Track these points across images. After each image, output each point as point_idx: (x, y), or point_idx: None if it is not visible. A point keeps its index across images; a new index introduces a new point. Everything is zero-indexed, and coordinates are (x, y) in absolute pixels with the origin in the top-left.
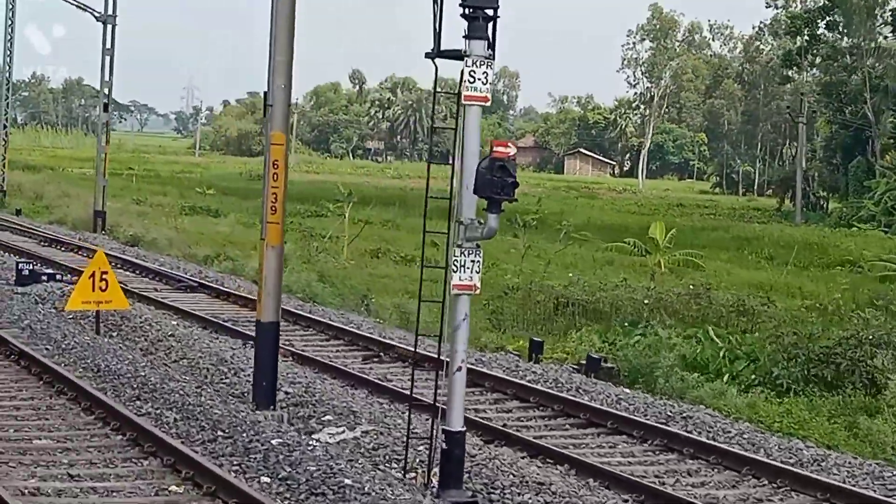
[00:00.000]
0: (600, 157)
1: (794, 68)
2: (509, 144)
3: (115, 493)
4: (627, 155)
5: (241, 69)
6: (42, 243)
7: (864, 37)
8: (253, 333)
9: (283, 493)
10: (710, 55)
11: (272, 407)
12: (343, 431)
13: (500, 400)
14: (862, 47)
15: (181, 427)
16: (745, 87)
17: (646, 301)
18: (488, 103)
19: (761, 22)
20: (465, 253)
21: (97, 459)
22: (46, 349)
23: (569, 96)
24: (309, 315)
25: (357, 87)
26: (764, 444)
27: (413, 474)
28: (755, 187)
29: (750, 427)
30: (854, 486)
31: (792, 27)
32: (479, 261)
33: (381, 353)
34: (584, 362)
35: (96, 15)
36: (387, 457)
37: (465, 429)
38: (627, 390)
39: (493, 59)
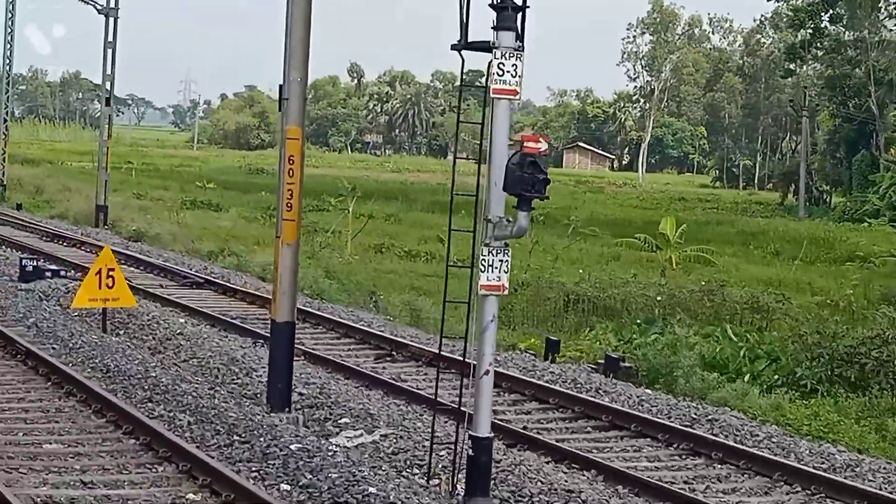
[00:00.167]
0: (599, 151)
1: (798, 61)
2: (540, 140)
3: (130, 502)
4: (626, 149)
5: (239, 63)
6: (44, 238)
7: (869, 29)
8: (263, 332)
9: (305, 501)
10: (710, 48)
11: (287, 409)
12: (361, 435)
13: (519, 401)
14: (866, 40)
15: (195, 431)
16: (746, 81)
17: (658, 298)
18: (518, 97)
19: (762, 15)
20: (494, 252)
21: (110, 465)
22: (53, 348)
23: (568, 90)
24: (318, 312)
25: (355, 80)
26: (794, 448)
27: (437, 481)
28: (755, 181)
29: (778, 430)
30: (892, 493)
31: (795, 20)
32: (507, 260)
33: (394, 352)
34: (601, 361)
35: (98, 7)
36: (407, 462)
37: (492, 434)
38: (649, 391)
39: (523, 50)
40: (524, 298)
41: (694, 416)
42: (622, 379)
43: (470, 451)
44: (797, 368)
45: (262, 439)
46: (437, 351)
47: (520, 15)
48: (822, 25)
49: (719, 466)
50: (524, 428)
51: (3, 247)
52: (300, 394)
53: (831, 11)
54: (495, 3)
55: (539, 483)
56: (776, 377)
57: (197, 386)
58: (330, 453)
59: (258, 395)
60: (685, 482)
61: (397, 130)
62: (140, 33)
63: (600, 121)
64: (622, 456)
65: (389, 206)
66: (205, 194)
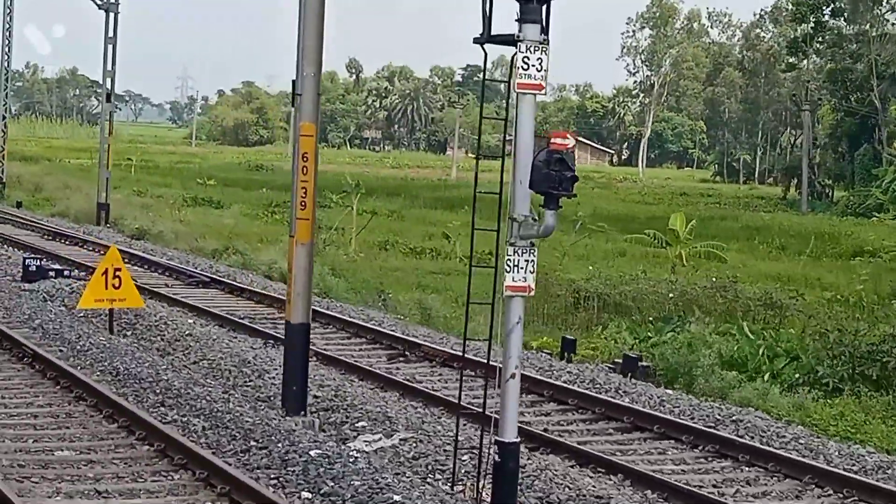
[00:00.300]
0: (598, 146)
1: (799, 55)
2: (568, 136)
3: None
4: (626, 144)
5: (236, 58)
6: (46, 237)
7: (871, 23)
8: (273, 332)
9: None
10: (710, 43)
11: (303, 413)
12: (380, 439)
13: (537, 402)
14: (868, 34)
15: (210, 436)
16: (746, 75)
17: (670, 295)
18: (543, 91)
19: (762, 9)
20: (519, 252)
21: (124, 473)
22: (60, 351)
23: (567, 84)
24: (327, 312)
25: (354, 76)
26: (822, 449)
27: (460, 487)
28: (756, 176)
29: (804, 431)
30: None
31: (797, 14)
32: (533, 260)
33: (406, 352)
34: (618, 361)
35: (99, 3)
36: (429, 467)
37: (519, 439)
38: (669, 391)
39: (548, 44)
40: (533, 295)
41: (718, 417)
42: (640, 379)
43: (496, 457)
44: (818, 367)
45: (279, 445)
46: (450, 351)
47: (545, 7)
48: (824, 19)
49: (747, 469)
50: (545, 430)
51: (5, 246)
52: (315, 396)
53: (833, 5)
54: None
55: (567, 489)
56: (797, 376)
57: (210, 389)
58: (351, 459)
59: (272, 398)
60: (714, 486)
61: (396, 126)
62: (137, 29)
63: (599, 115)
64: (647, 459)
65: (391, 203)
66: (205, 191)
